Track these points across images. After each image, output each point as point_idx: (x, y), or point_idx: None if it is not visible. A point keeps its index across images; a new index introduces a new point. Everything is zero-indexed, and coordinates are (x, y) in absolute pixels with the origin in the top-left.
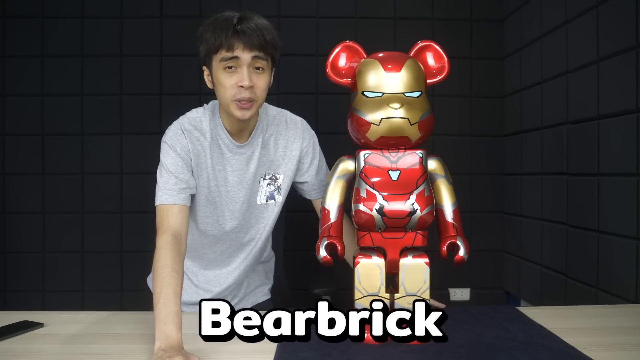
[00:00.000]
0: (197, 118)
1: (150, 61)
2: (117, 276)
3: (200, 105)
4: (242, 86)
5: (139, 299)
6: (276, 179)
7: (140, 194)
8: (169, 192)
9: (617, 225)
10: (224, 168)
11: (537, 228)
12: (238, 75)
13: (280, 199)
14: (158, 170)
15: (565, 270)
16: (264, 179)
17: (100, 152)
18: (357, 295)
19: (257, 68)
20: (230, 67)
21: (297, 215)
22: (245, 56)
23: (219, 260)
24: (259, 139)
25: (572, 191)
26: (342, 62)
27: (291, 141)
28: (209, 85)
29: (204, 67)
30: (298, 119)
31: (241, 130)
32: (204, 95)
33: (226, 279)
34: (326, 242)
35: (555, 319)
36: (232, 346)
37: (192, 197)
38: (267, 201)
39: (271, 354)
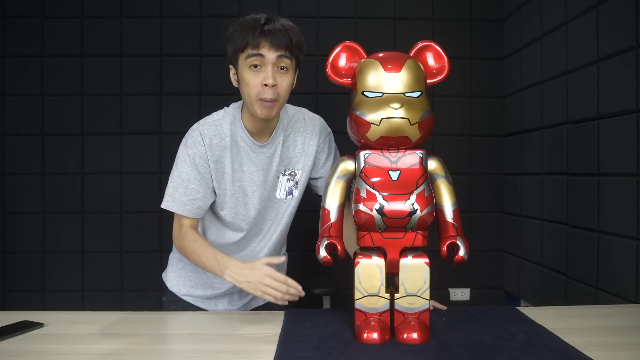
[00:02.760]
0: (218, 121)
1: (150, 61)
2: (117, 276)
3: (200, 105)
4: (266, 85)
5: (139, 299)
6: (295, 174)
7: (140, 194)
8: (176, 202)
9: (617, 225)
10: (248, 169)
11: (537, 228)
12: (263, 74)
13: (297, 193)
14: (172, 171)
15: (565, 270)
16: (284, 174)
17: (100, 152)
18: (357, 295)
19: (282, 68)
20: (255, 66)
21: (297, 215)
22: (271, 55)
23: (236, 255)
24: (279, 137)
25: (572, 191)
26: (342, 62)
27: (309, 138)
28: (235, 84)
29: (231, 67)
30: (316, 116)
31: (262, 130)
32: (204, 95)
33: None
34: (326, 242)
35: (555, 319)
36: (232, 346)
37: (212, 201)
38: (286, 196)
39: (271, 354)
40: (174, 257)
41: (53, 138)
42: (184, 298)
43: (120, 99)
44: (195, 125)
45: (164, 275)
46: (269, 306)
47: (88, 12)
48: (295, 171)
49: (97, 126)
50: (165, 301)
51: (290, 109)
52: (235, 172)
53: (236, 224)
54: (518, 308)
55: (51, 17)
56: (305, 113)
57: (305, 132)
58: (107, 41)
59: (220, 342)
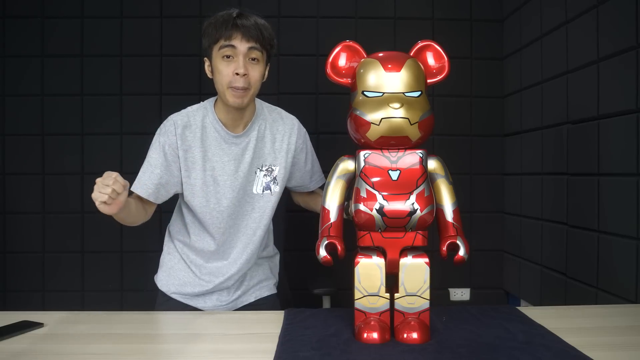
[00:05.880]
0: (191, 112)
1: (150, 61)
2: (117, 276)
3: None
4: (237, 74)
5: (139, 299)
6: (272, 170)
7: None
8: (140, 184)
9: (617, 225)
10: (220, 158)
11: (537, 228)
12: (234, 64)
13: (277, 189)
14: (146, 157)
15: (565, 270)
16: (261, 170)
17: (100, 152)
18: (357, 295)
19: (253, 59)
20: (228, 57)
21: (297, 215)
22: (242, 46)
23: (220, 252)
24: (254, 131)
25: (572, 191)
26: (342, 62)
27: (287, 135)
28: (209, 75)
29: (205, 59)
30: (292, 116)
31: (236, 121)
32: (204, 95)
33: (228, 270)
34: (326, 242)
35: (555, 319)
36: (232, 346)
37: (178, 191)
38: (263, 191)
39: (271, 353)
40: (164, 258)
41: (53, 138)
42: (173, 296)
43: (120, 99)
44: (170, 116)
45: (155, 277)
46: (259, 303)
47: (88, 12)
48: (273, 167)
49: (96, 126)
50: (156, 302)
51: (266, 106)
52: (207, 161)
53: (210, 216)
54: (518, 308)
55: (51, 17)
56: (281, 112)
57: (284, 129)
58: (107, 41)
59: (220, 342)
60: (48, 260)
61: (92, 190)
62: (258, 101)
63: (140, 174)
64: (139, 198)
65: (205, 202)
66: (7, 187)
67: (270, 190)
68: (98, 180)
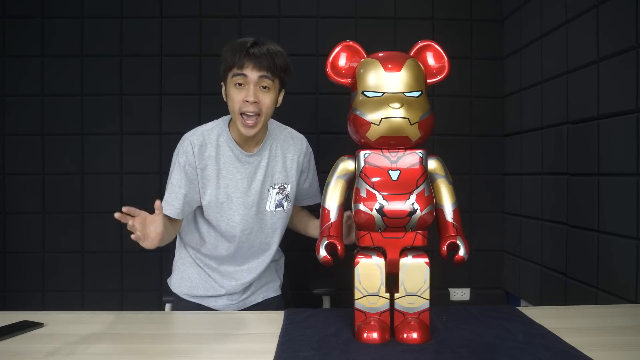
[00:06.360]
0: (206, 131)
1: (150, 61)
2: (117, 276)
3: (200, 106)
4: (247, 101)
5: (139, 299)
6: (284, 188)
7: (140, 194)
8: (169, 206)
9: (617, 225)
10: (233, 176)
11: (537, 228)
12: (245, 92)
13: (288, 206)
14: (168, 177)
15: (565, 270)
16: (274, 188)
17: (100, 152)
18: (357, 295)
19: (264, 87)
20: (239, 84)
21: None
22: (253, 75)
23: (233, 260)
24: (266, 150)
25: (572, 191)
26: (342, 61)
27: (297, 154)
28: (224, 98)
29: (222, 83)
30: (301, 135)
31: (249, 140)
32: (203, 95)
33: (240, 276)
34: (326, 242)
35: (555, 319)
36: (232, 346)
37: (199, 203)
38: (276, 208)
39: (271, 353)
40: (176, 262)
41: (53, 138)
42: (184, 297)
43: (120, 99)
44: (186, 135)
45: (168, 280)
46: (266, 303)
47: (88, 12)
48: (285, 185)
49: (97, 126)
50: (172, 305)
51: (277, 125)
52: (221, 179)
53: (224, 229)
54: (518, 308)
55: (51, 17)
56: (292, 131)
57: (295, 149)
58: (107, 41)
59: (220, 342)
60: (48, 260)
61: (93, 191)
62: (270, 121)
63: (166, 196)
64: (167, 217)
65: (220, 217)
66: (7, 187)
67: (283, 208)
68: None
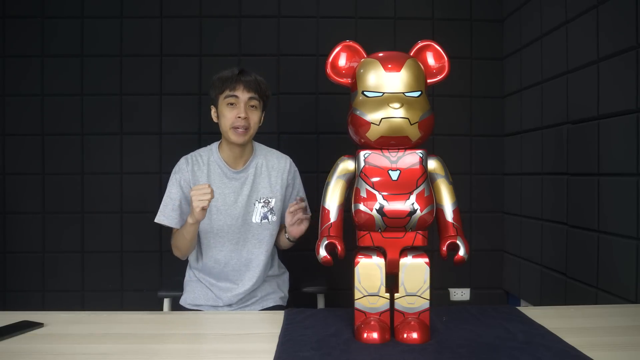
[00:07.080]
0: (198, 153)
1: (150, 61)
2: (117, 276)
3: (200, 105)
4: (239, 117)
5: (139, 299)
6: (269, 202)
7: (140, 194)
8: (166, 216)
9: (617, 225)
10: (222, 191)
11: (537, 228)
12: (237, 110)
13: (274, 218)
14: (165, 193)
15: (565, 270)
16: (259, 201)
17: (100, 152)
18: (357, 295)
19: (252, 106)
20: (232, 104)
21: None
22: (244, 96)
23: (227, 276)
24: (252, 167)
25: (572, 191)
26: (342, 61)
27: (281, 172)
28: (215, 119)
29: (212, 106)
30: (286, 155)
31: (237, 158)
32: (203, 95)
33: (237, 290)
34: (326, 242)
35: (555, 319)
36: (232, 346)
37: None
38: (261, 220)
39: (271, 353)
40: (185, 282)
41: (53, 138)
42: (187, 307)
43: (120, 99)
44: (182, 157)
45: (181, 301)
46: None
47: (88, 12)
48: (269, 199)
49: (97, 126)
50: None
51: (263, 147)
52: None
53: (214, 240)
54: (518, 308)
55: (51, 17)
56: (276, 152)
57: (279, 167)
58: (107, 41)
59: (220, 342)
60: (48, 260)
61: (93, 191)
62: (255, 143)
63: (162, 207)
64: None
65: (210, 228)
66: (7, 187)
67: (268, 220)
68: (193, 192)
